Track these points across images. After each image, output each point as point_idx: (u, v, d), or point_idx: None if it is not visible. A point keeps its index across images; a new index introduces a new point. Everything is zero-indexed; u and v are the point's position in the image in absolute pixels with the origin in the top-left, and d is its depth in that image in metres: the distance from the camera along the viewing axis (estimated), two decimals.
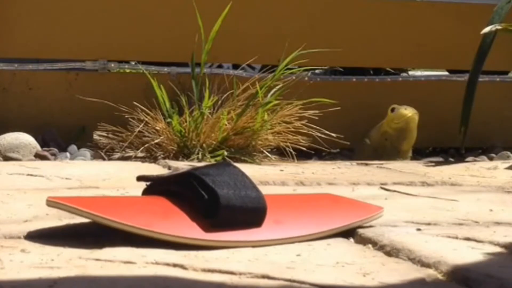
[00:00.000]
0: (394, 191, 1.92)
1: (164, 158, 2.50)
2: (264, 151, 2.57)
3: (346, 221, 1.43)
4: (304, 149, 2.62)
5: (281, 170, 2.28)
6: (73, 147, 2.80)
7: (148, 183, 1.43)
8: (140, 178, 1.44)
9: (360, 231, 1.41)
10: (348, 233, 1.42)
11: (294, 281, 1.10)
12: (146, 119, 2.57)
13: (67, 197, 1.37)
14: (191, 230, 1.29)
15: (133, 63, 3.71)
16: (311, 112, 2.65)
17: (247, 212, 1.31)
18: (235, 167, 1.39)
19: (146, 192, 1.43)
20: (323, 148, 2.77)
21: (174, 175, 1.41)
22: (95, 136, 2.70)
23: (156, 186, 1.42)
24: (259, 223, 1.33)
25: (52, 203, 1.29)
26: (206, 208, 1.30)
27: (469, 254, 1.26)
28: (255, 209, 1.33)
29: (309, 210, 1.47)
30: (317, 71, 5.03)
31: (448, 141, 3.27)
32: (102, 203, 1.37)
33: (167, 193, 1.36)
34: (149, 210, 1.33)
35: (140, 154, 2.56)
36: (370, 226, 1.45)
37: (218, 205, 1.29)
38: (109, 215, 1.27)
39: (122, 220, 1.27)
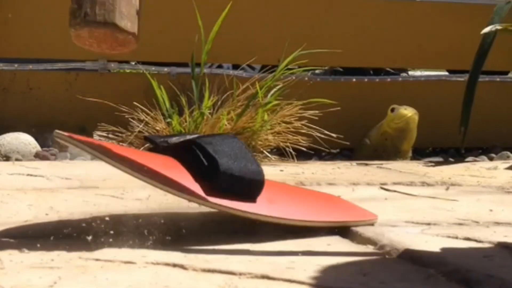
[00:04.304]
0: (394, 191, 1.92)
1: None
2: (264, 151, 2.57)
3: (339, 218, 1.44)
4: (304, 149, 2.61)
5: (281, 170, 2.28)
6: (73, 147, 2.80)
7: (154, 145, 1.46)
8: (147, 138, 1.48)
9: (360, 231, 1.41)
10: (348, 233, 1.42)
11: (294, 281, 1.10)
12: (146, 119, 2.57)
13: (75, 135, 1.38)
14: (192, 186, 1.32)
15: (133, 63, 3.71)
16: (311, 112, 2.65)
17: (245, 182, 1.35)
18: (238, 140, 1.42)
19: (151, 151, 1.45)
20: (323, 148, 2.77)
21: (179, 141, 1.43)
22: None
23: (161, 150, 1.43)
24: (255, 196, 1.36)
25: (60, 134, 1.31)
26: (206, 174, 1.33)
27: (469, 254, 1.26)
28: (253, 181, 1.36)
29: (304, 201, 1.49)
30: (317, 71, 5.03)
31: (448, 141, 3.27)
32: (109, 146, 1.39)
33: (173, 157, 1.39)
34: (156, 162, 1.35)
35: None
36: (370, 225, 1.45)
37: (218, 172, 1.33)
38: (114, 155, 1.30)
39: (125, 157, 1.29)
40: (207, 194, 1.31)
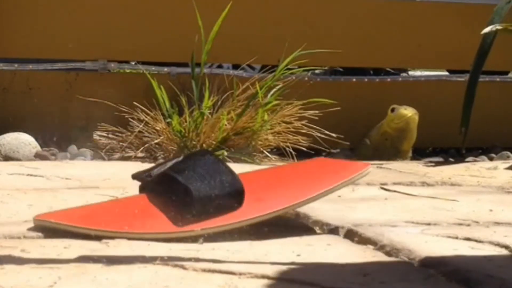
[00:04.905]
0: (394, 191, 1.92)
1: (164, 158, 2.50)
2: (264, 151, 2.57)
3: (333, 184, 1.45)
4: (304, 149, 2.61)
5: None
6: (73, 147, 2.80)
7: (141, 182, 1.50)
8: (134, 177, 1.52)
9: (360, 231, 1.41)
10: (348, 233, 1.42)
11: (294, 281, 1.10)
12: (146, 119, 2.57)
13: (51, 213, 1.41)
14: (166, 225, 1.35)
15: (133, 63, 3.71)
16: (311, 112, 2.65)
17: (224, 197, 1.38)
18: (211, 155, 1.46)
19: (141, 189, 1.49)
20: (323, 148, 2.77)
21: (157, 175, 1.47)
22: (95, 136, 2.70)
23: (149, 185, 1.48)
24: (239, 204, 1.39)
25: (38, 221, 1.37)
26: (181, 204, 1.37)
27: (469, 254, 1.26)
28: (232, 192, 1.39)
29: (293, 180, 1.50)
30: (317, 71, 5.03)
31: (448, 141, 3.26)
32: (83, 212, 1.44)
33: (158, 192, 1.43)
34: (128, 213, 1.41)
35: (140, 154, 2.56)
36: (370, 225, 1.45)
37: (192, 199, 1.36)
38: (87, 225, 1.35)
39: (99, 227, 1.34)
40: (187, 223, 1.35)
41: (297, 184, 1.48)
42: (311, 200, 1.43)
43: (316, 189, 1.44)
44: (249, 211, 1.38)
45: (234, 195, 1.39)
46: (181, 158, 1.47)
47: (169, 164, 1.46)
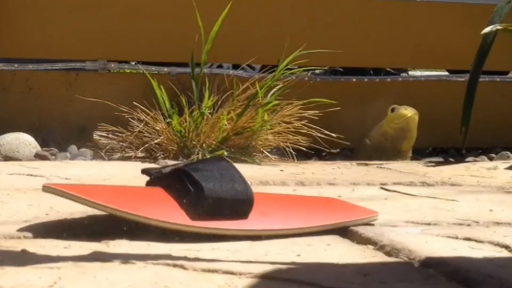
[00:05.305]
0: (394, 191, 1.92)
1: (164, 158, 2.50)
2: (264, 151, 2.57)
3: (337, 220, 1.45)
4: (304, 149, 2.61)
5: (281, 170, 2.28)
6: (73, 147, 2.80)
7: (150, 177, 1.49)
8: (144, 172, 1.51)
9: (360, 231, 1.41)
10: (348, 233, 1.42)
11: (294, 281, 1.10)
12: (146, 119, 2.57)
13: (63, 184, 1.41)
14: (177, 217, 1.35)
15: (133, 63, 3.71)
16: (311, 112, 2.65)
17: (233, 203, 1.38)
18: (227, 161, 1.47)
19: (148, 184, 1.49)
20: (323, 148, 2.77)
21: (169, 170, 1.47)
22: (95, 136, 2.70)
23: (157, 180, 1.47)
24: (245, 214, 1.39)
25: (48, 188, 1.35)
26: (192, 200, 1.37)
27: (469, 254, 1.26)
28: (241, 201, 1.39)
29: (300, 208, 1.50)
30: (317, 71, 5.03)
31: (448, 141, 3.27)
32: (97, 190, 1.43)
33: (166, 186, 1.43)
34: (141, 198, 1.40)
35: (140, 154, 2.56)
36: (370, 225, 1.45)
37: (203, 197, 1.36)
38: (100, 200, 1.33)
39: (110, 205, 1.33)
40: (192, 219, 1.35)
41: (302, 210, 1.49)
42: (313, 229, 1.43)
43: (320, 221, 1.45)
44: (253, 223, 1.39)
45: (244, 204, 1.39)
46: (195, 160, 1.48)
47: (181, 165, 1.47)
